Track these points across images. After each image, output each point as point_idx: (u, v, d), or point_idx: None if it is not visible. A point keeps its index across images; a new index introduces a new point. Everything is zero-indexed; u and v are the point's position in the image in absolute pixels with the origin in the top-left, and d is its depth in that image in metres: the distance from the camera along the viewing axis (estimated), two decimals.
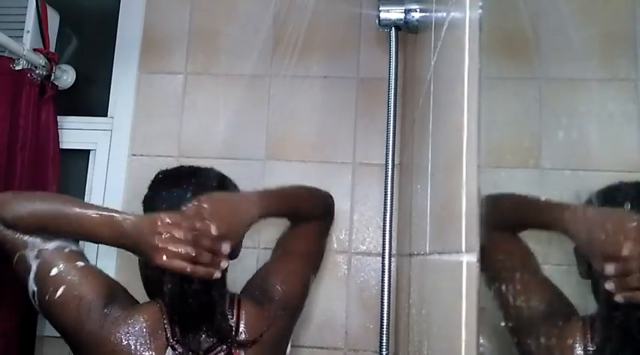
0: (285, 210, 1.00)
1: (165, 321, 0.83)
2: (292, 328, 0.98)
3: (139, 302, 0.88)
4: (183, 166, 0.99)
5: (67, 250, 0.84)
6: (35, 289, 0.82)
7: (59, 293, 0.81)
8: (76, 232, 0.83)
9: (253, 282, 0.98)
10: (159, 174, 0.97)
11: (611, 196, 0.37)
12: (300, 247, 1.04)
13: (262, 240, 1.27)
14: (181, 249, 0.78)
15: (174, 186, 0.91)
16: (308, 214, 1.06)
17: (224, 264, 0.82)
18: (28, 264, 0.82)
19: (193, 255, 0.78)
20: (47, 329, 1.30)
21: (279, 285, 0.95)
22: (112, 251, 1.30)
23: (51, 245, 0.84)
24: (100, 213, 0.81)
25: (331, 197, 1.12)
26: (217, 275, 0.81)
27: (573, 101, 0.41)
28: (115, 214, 0.81)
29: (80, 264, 0.84)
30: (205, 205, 0.81)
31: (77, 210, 0.82)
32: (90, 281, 0.83)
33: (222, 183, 0.95)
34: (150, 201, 0.93)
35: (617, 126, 0.39)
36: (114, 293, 0.85)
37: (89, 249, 1.32)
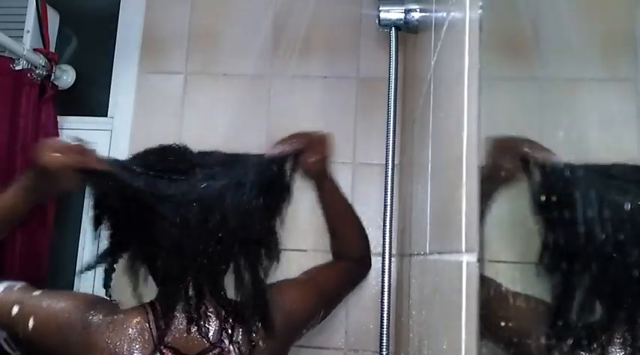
0: (342, 213, 1.06)
1: (151, 325, 0.81)
2: (289, 348, 0.96)
3: (119, 308, 0.85)
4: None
5: (16, 288, 0.84)
6: (4, 334, 0.81)
7: (31, 324, 0.79)
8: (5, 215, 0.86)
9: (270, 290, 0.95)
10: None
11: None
12: (328, 285, 1.04)
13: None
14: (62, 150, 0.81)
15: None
16: (354, 248, 1.09)
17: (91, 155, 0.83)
18: None
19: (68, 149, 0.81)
20: None
21: (292, 308, 0.93)
22: None
23: None
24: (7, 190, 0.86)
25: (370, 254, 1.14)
26: (93, 166, 0.82)
27: (573, 101, 0.41)
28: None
29: (36, 292, 0.83)
30: None
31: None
32: (57, 301, 0.82)
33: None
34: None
35: (617, 126, 0.39)
36: (90, 302, 0.83)
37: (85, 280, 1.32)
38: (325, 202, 1.05)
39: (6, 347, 0.82)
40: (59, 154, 0.80)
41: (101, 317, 0.81)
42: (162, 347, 0.80)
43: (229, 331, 0.83)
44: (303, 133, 1.00)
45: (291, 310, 0.93)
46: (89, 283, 1.28)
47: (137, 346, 0.79)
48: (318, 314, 1.00)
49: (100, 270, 1.34)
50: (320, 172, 1.01)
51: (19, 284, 0.85)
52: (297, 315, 0.95)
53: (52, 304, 0.81)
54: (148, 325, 0.81)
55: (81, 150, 0.82)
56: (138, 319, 0.81)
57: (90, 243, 1.35)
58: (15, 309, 0.80)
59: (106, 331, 0.79)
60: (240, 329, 0.84)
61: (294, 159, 0.96)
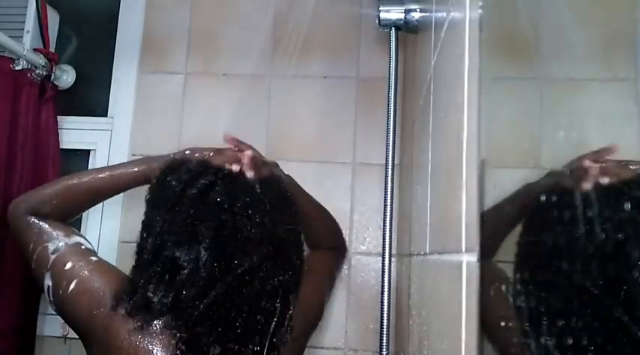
0: (310, 207, 1.08)
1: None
2: (306, 344, 0.97)
3: None
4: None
5: (83, 247, 0.88)
6: (50, 284, 0.83)
7: (72, 287, 0.82)
8: (111, 186, 0.92)
9: None
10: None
11: None
12: (320, 269, 1.08)
13: None
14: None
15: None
16: (328, 237, 1.14)
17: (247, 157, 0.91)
18: (46, 258, 0.84)
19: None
20: (47, 329, 1.30)
21: (302, 303, 0.93)
22: (112, 253, 1.30)
23: (71, 240, 0.87)
24: (127, 164, 0.98)
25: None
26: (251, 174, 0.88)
27: (573, 101, 0.41)
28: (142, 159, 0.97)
29: (94, 258, 0.86)
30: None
31: (103, 169, 0.96)
32: (101, 276, 0.84)
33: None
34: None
35: (617, 126, 0.39)
36: (125, 288, 0.83)
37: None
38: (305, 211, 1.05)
39: (47, 296, 0.85)
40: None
41: (129, 308, 0.80)
42: (182, 344, 0.78)
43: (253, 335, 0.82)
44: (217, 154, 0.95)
45: (307, 305, 0.95)
46: None
47: (158, 342, 0.78)
48: (327, 300, 1.07)
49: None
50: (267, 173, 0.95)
51: (87, 244, 0.90)
52: (313, 308, 0.99)
53: (96, 278, 0.83)
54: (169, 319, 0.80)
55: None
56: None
57: (91, 239, 1.35)
58: (68, 265, 0.83)
59: (128, 323, 0.78)
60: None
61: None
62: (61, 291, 0.82)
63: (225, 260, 0.81)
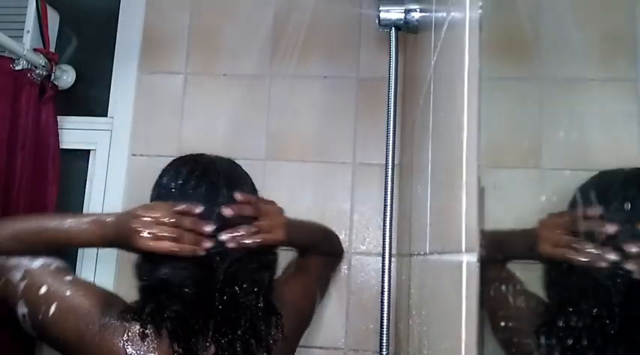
0: (308, 241, 1.07)
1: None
2: (298, 343, 0.98)
3: None
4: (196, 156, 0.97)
5: (52, 267, 0.83)
6: (25, 311, 0.80)
7: (52, 310, 0.78)
8: (61, 239, 0.83)
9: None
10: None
11: (596, 187, 0.38)
12: (313, 268, 1.08)
13: None
14: (162, 230, 0.79)
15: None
16: (324, 251, 1.14)
17: (207, 244, 0.82)
18: (15, 286, 0.80)
19: (174, 235, 0.79)
20: None
21: (293, 302, 0.95)
22: (111, 262, 1.30)
23: (36, 264, 0.82)
24: (82, 216, 0.84)
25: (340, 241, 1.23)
26: (201, 253, 0.81)
27: (573, 101, 0.41)
28: (96, 214, 0.84)
29: (68, 278, 0.83)
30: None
31: (59, 218, 0.83)
32: (82, 294, 0.81)
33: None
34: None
35: (617, 126, 0.39)
36: (110, 302, 0.82)
37: (88, 258, 1.32)
38: (298, 245, 1.07)
39: (23, 324, 0.81)
40: (161, 241, 0.80)
41: (119, 319, 0.79)
42: (179, 349, 0.78)
43: (244, 339, 0.83)
44: (253, 205, 0.91)
45: (297, 304, 0.96)
46: None
47: (154, 349, 0.78)
48: (318, 299, 1.05)
49: (100, 269, 1.34)
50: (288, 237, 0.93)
51: (55, 263, 0.84)
52: (304, 307, 0.99)
53: (77, 296, 0.80)
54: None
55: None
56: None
57: None
58: (43, 289, 0.80)
59: (122, 334, 0.78)
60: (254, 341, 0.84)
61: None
62: (40, 316, 0.79)
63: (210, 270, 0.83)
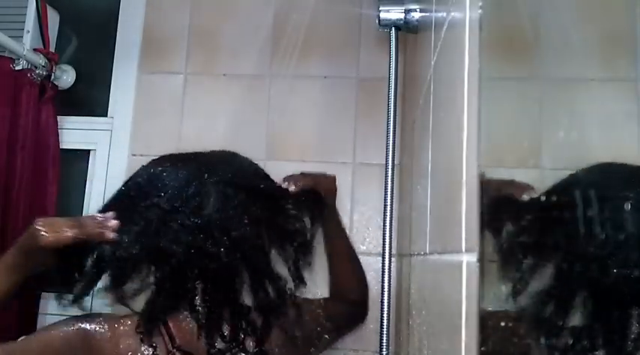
0: (345, 252, 1.11)
1: (162, 328, 0.81)
2: None
3: (118, 317, 0.82)
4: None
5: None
6: None
7: None
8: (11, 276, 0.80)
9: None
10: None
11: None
12: (336, 312, 1.04)
13: None
14: (64, 226, 0.79)
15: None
16: (351, 284, 1.15)
17: (112, 225, 0.82)
18: None
19: (76, 224, 0.80)
20: None
21: (309, 321, 0.94)
22: None
23: None
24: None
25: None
26: (109, 236, 0.81)
27: (573, 101, 0.41)
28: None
29: (12, 343, 0.77)
30: None
31: None
32: (48, 337, 0.78)
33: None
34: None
35: (617, 126, 0.39)
36: (82, 330, 0.79)
37: None
38: (329, 240, 1.10)
39: None
40: (64, 233, 0.79)
41: (108, 332, 0.78)
42: (174, 350, 0.79)
43: (241, 338, 0.83)
44: (311, 174, 1.08)
45: (310, 325, 0.94)
46: None
47: (149, 351, 0.78)
48: (324, 337, 1.00)
49: None
50: (328, 211, 1.04)
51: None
52: (314, 331, 0.96)
53: (45, 348, 0.76)
54: (158, 329, 0.80)
55: (79, 223, 0.81)
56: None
57: None
58: None
59: (111, 345, 0.77)
60: (253, 337, 0.84)
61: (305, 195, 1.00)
62: None
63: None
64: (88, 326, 0.78)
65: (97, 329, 0.79)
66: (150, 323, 0.80)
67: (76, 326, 0.78)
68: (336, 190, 1.14)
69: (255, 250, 0.86)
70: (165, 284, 0.82)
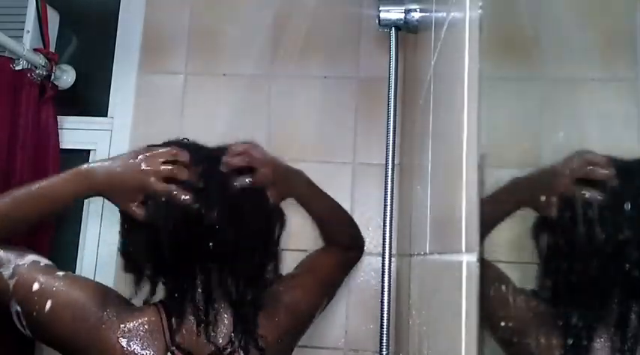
0: (324, 209, 1.06)
1: (164, 325, 0.81)
2: (294, 346, 0.96)
3: (134, 305, 0.84)
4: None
5: (42, 264, 0.82)
6: (18, 309, 0.78)
7: (48, 306, 0.77)
8: (46, 203, 0.84)
9: (270, 291, 0.94)
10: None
11: None
12: (325, 272, 1.05)
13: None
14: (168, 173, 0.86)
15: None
16: (343, 235, 1.11)
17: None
18: (4, 284, 0.79)
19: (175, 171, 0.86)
20: None
21: (289, 303, 0.93)
22: (111, 265, 1.30)
23: (26, 260, 0.81)
24: (61, 173, 0.88)
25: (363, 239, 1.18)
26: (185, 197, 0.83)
27: (573, 101, 0.41)
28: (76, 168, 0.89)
29: (60, 273, 0.82)
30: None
31: (36, 184, 0.84)
32: (77, 288, 0.81)
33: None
34: None
35: (617, 126, 0.39)
36: (106, 296, 0.82)
37: (87, 263, 1.32)
38: (304, 205, 1.05)
39: (17, 322, 0.80)
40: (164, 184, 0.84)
41: (115, 313, 0.80)
42: (173, 347, 0.79)
43: (239, 335, 0.83)
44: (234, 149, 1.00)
45: (295, 307, 0.94)
46: None
47: (149, 345, 0.78)
48: (322, 304, 1.02)
49: (100, 269, 1.34)
50: (276, 177, 0.95)
51: (44, 261, 0.83)
52: (302, 310, 0.96)
53: (72, 291, 0.80)
54: (160, 325, 0.80)
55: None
56: (151, 318, 0.81)
57: (90, 243, 1.35)
58: (36, 286, 0.78)
59: (118, 329, 0.78)
60: (249, 333, 0.84)
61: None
62: (35, 313, 0.78)
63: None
64: (110, 305, 0.81)
65: (117, 311, 0.81)
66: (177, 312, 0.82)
67: (102, 297, 0.82)
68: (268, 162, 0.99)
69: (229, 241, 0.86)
70: (180, 275, 0.84)
